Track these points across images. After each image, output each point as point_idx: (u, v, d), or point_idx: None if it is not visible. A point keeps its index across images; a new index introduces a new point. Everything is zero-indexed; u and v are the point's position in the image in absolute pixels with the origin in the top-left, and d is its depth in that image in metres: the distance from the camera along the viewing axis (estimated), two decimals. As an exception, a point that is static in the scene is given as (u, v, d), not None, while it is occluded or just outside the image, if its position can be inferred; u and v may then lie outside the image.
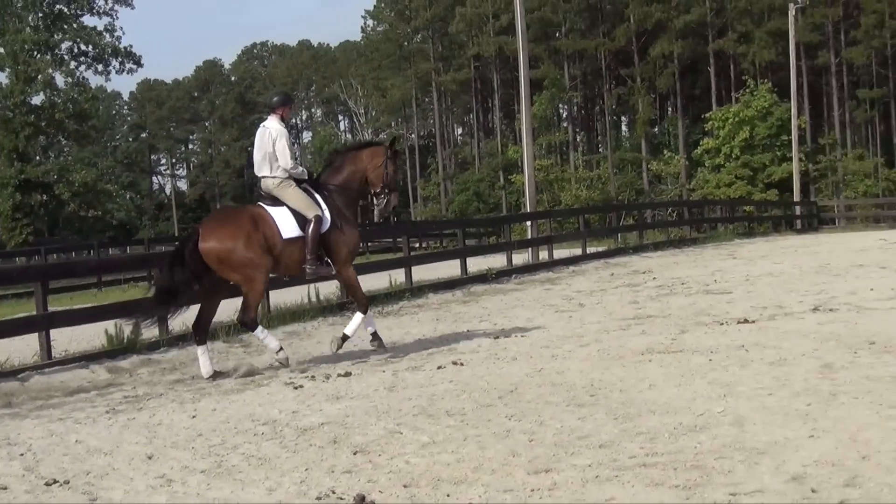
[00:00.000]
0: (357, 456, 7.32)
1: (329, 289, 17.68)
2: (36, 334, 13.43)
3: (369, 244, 40.98)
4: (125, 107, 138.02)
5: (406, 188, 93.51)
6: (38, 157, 65.69)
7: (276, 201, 12.06)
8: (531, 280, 23.27)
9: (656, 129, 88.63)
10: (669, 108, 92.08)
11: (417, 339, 13.91)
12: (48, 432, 8.88)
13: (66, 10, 64.14)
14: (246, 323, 12.03)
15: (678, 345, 11.54)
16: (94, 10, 64.96)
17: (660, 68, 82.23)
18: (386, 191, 12.66)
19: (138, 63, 66.64)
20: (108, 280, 33.98)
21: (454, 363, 11.32)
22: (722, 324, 13.19)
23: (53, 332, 13.61)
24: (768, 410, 7.85)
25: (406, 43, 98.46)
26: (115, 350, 13.77)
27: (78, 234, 63.85)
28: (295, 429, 8.38)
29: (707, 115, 73.61)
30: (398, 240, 36.15)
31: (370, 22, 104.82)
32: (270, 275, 12.57)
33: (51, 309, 14.21)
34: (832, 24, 78.18)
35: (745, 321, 13.21)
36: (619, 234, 35.85)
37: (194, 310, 12.24)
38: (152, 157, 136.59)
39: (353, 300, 13.09)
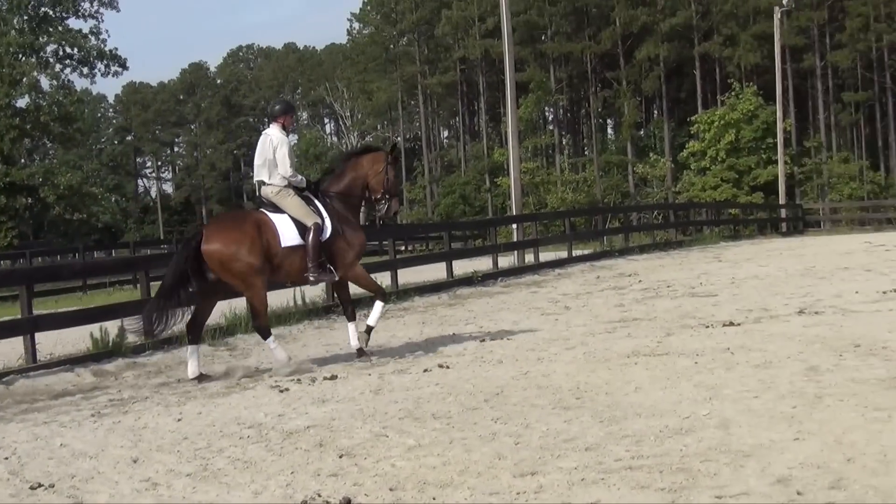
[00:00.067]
0: (343, 459, 7.31)
1: (315, 291, 17.65)
2: (21, 338, 13.39)
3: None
4: (110, 109, 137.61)
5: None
6: (22, 160, 65.33)
7: (278, 208, 12.14)
8: (517, 283, 23.29)
9: (642, 132, 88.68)
10: (655, 111, 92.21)
11: (403, 343, 13.92)
12: (33, 436, 8.85)
13: (51, 12, 63.90)
14: (258, 329, 12.18)
15: (664, 348, 11.55)
16: (80, 13, 64.74)
17: (645, 71, 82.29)
18: (387, 196, 12.81)
19: (123, 66, 66.40)
20: (94, 283, 33.95)
21: (440, 366, 11.31)
22: (707, 326, 13.21)
23: (38, 336, 13.58)
24: (754, 413, 7.86)
25: (392, 46, 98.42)
26: (101, 353, 13.74)
27: (63, 238, 63.64)
28: (281, 432, 8.37)
29: (693, 118, 73.81)
30: (384, 243, 36.08)
31: (356, 25, 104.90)
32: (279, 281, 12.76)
33: (36, 312, 14.17)
34: (817, 27, 78.37)
35: (731, 324, 13.23)
36: (604, 237, 35.96)
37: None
38: (137, 159, 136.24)
39: (370, 294, 13.21)
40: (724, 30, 79.74)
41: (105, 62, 65.58)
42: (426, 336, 14.46)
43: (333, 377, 11.08)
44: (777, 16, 52.24)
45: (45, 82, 63.00)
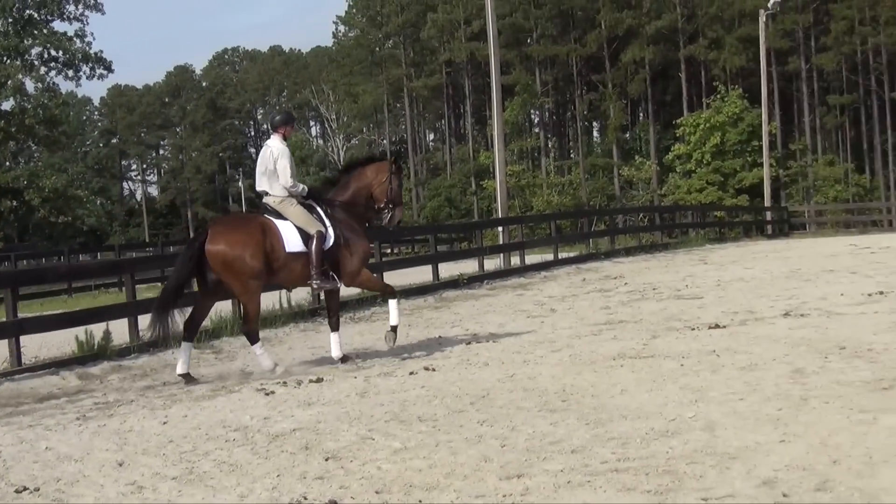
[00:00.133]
0: (329, 462, 7.31)
1: (300, 294, 17.62)
2: (6, 341, 13.37)
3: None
4: (96, 112, 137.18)
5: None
6: (7, 163, 65.26)
7: (281, 216, 12.24)
8: (503, 285, 23.30)
9: (627, 135, 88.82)
10: (641, 114, 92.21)
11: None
12: (18, 439, 8.82)
13: (36, 15, 63.62)
14: (247, 334, 12.27)
15: (650, 350, 11.57)
16: (65, 16, 64.45)
17: (631, 74, 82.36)
18: (391, 206, 13.02)
19: (109, 69, 66.09)
20: (79, 286, 33.84)
21: (426, 369, 11.32)
22: (693, 329, 13.24)
23: (23, 339, 13.55)
24: (739, 415, 7.87)
25: (378, 48, 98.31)
26: (86, 356, 13.72)
27: (48, 240, 63.60)
28: (266, 435, 8.35)
29: (678, 120, 73.99)
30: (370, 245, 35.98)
31: (342, 27, 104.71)
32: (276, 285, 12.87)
33: (21, 315, 14.15)
34: (803, 30, 78.52)
35: (717, 326, 13.26)
36: (590, 240, 36.05)
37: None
38: (123, 162, 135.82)
39: (381, 296, 13.38)
40: (709, 33, 79.80)
41: (90, 65, 65.27)
42: (412, 338, 14.44)
43: (319, 380, 11.07)
44: (762, 19, 52.32)
45: (30, 85, 62.74)
